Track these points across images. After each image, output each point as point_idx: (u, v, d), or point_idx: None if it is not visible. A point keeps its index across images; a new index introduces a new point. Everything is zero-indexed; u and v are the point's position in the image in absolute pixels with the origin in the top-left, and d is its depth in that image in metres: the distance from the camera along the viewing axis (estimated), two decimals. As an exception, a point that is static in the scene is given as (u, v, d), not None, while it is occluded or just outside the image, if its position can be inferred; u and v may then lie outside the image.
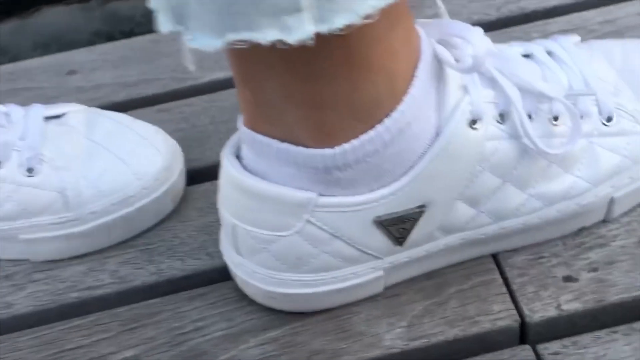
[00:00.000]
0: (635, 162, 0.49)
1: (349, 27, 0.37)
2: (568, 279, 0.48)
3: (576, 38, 0.51)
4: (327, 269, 0.46)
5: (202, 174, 0.58)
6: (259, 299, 0.49)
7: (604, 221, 0.51)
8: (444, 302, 0.48)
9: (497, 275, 0.49)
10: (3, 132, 0.52)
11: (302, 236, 0.45)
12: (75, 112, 0.55)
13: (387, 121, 0.42)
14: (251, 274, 0.48)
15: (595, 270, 0.49)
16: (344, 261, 0.46)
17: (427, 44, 0.44)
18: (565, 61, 0.48)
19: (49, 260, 0.53)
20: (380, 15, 0.38)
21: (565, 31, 0.63)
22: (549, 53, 0.49)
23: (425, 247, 0.47)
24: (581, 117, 0.47)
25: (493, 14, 0.67)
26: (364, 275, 0.47)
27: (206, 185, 0.57)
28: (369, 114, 0.42)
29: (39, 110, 0.54)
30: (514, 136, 0.46)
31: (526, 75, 0.45)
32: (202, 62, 0.65)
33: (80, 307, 0.51)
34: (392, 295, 0.49)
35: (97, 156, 0.53)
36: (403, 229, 0.46)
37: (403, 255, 0.47)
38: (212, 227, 0.54)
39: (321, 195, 0.44)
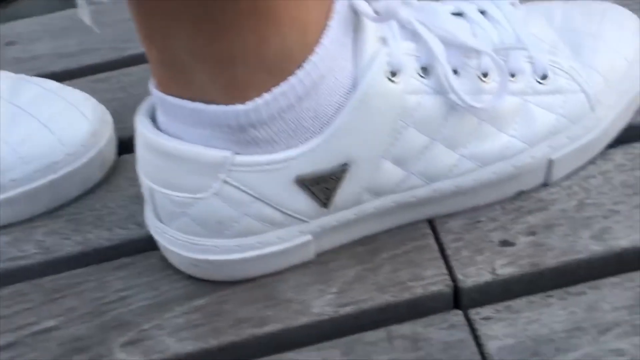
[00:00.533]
0: (573, 121, 0.47)
1: None
2: (504, 243, 0.47)
3: (512, -4, 0.50)
4: (250, 233, 0.45)
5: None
6: (183, 267, 0.47)
7: (545, 185, 0.49)
8: (376, 267, 0.47)
9: (432, 240, 0.48)
10: None
11: (220, 198, 0.43)
12: (1, 79, 0.53)
13: (299, 73, 0.41)
14: (173, 241, 0.46)
15: (533, 234, 0.47)
16: (268, 225, 0.45)
17: None
18: (498, 20, 0.47)
19: (-28, 230, 0.52)
20: None
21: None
22: (482, 12, 0.47)
23: (354, 210, 0.46)
24: (513, 74, 0.46)
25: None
26: (291, 239, 0.46)
27: (140, 155, 0.55)
28: (280, 66, 0.41)
29: (-42, 75, 0.52)
30: (439, 91, 0.44)
31: (452, 29, 0.44)
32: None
33: (3, 278, 0.49)
34: (323, 261, 0.47)
35: (19, 121, 0.51)
36: (327, 189, 0.44)
37: (331, 218, 0.46)
38: (143, 196, 0.52)
39: (237, 154, 0.42)
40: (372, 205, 0.46)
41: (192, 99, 0.42)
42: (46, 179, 0.51)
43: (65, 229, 0.51)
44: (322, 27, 0.41)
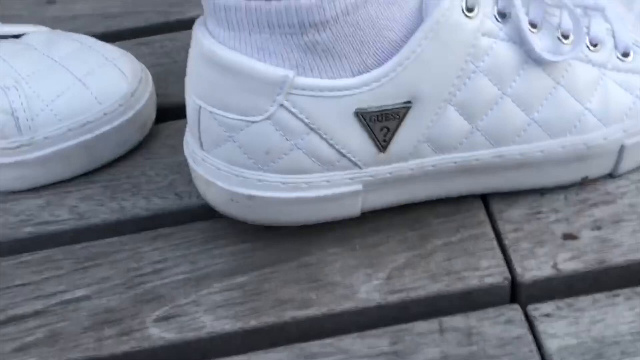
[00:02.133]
0: (651, 107, 0.44)
1: None
2: (568, 236, 0.44)
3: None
4: (298, 170, 0.42)
5: (177, 111, 0.53)
6: (220, 205, 0.44)
7: (611, 175, 0.46)
8: (428, 254, 0.44)
9: (489, 229, 0.45)
10: None
11: (274, 124, 0.40)
12: (36, 33, 0.51)
13: None
14: (212, 171, 0.43)
15: (598, 228, 0.44)
16: (318, 163, 0.42)
17: None
18: None
19: (3, 190, 0.49)
20: None
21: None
22: None
23: (411, 163, 0.43)
24: (595, 44, 0.44)
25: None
26: (341, 185, 0.42)
27: (181, 123, 0.52)
28: None
29: (-8, 27, 0.50)
30: (514, 40, 0.42)
31: None
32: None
33: (34, 242, 0.47)
34: (371, 244, 0.44)
35: (54, 76, 0.48)
36: (387, 128, 0.41)
37: (386, 168, 0.43)
38: (184, 165, 0.49)
39: (299, 75, 0.40)
40: (430, 161, 0.43)
41: None
42: (81, 138, 0.48)
43: (100, 195, 0.49)
44: None
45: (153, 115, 0.51)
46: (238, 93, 0.40)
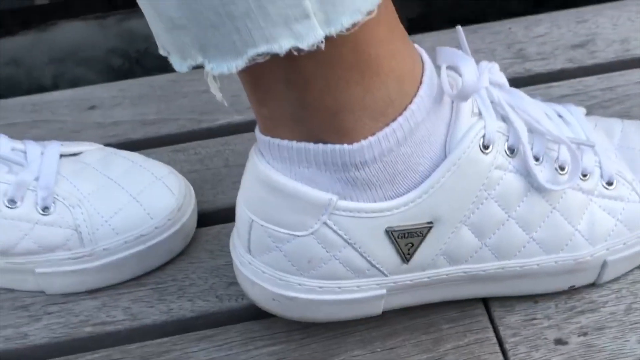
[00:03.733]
0: (630, 229, 0.52)
1: (354, 25, 0.41)
2: (559, 341, 0.51)
3: (583, 110, 0.55)
4: (334, 277, 0.49)
5: (213, 217, 0.60)
6: (262, 302, 0.51)
7: (594, 284, 0.53)
8: (440, 357, 0.51)
9: (492, 334, 0.52)
10: (19, 171, 0.55)
11: (316, 238, 0.48)
12: (92, 151, 0.58)
13: (400, 119, 0.46)
14: (258, 273, 0.49)
15: (585, 334, 0.51)
16: (351, 271, 0.49)
17: (426, 56, 0.48)
18: (571, 123, 0.52)
19: (64, 293, 0.55)
20: (380, 16, 0.42)
21: (567, 96, 0.66)
22: (558, 115, 0.53)
23: (428, 272, 0.50)
24: (585, 174, 0.51)
25: (499, 75, 0.69)
26: (368, 290, 0.50)
27: (217, 228, 0.59)
28: (383, 113, 0.46)
29: (55, 149, 0.56)
30: (521, 172, 0.49)
31: (534, 114, 0.49)
32: (219, 106, 0.68)
33: (93, 341, 0.53)
34: (390, 347, 0.51)
35: (111, 194, 0.55)
36: (411, 244, 0.48)
37: (407, 276, 0.50)
38: (222, 269, 0.57)
39: (340, 199, 0.47)
40: (445, 271, 0.50)
41: (299, 140, 0.46)
42: (134, 249, 0.55)
43: (150, 297, 0.55)
44: (416, 77, 0.47)
45: (195, 226, 0.58)
46: (288, 212, 0.47)
